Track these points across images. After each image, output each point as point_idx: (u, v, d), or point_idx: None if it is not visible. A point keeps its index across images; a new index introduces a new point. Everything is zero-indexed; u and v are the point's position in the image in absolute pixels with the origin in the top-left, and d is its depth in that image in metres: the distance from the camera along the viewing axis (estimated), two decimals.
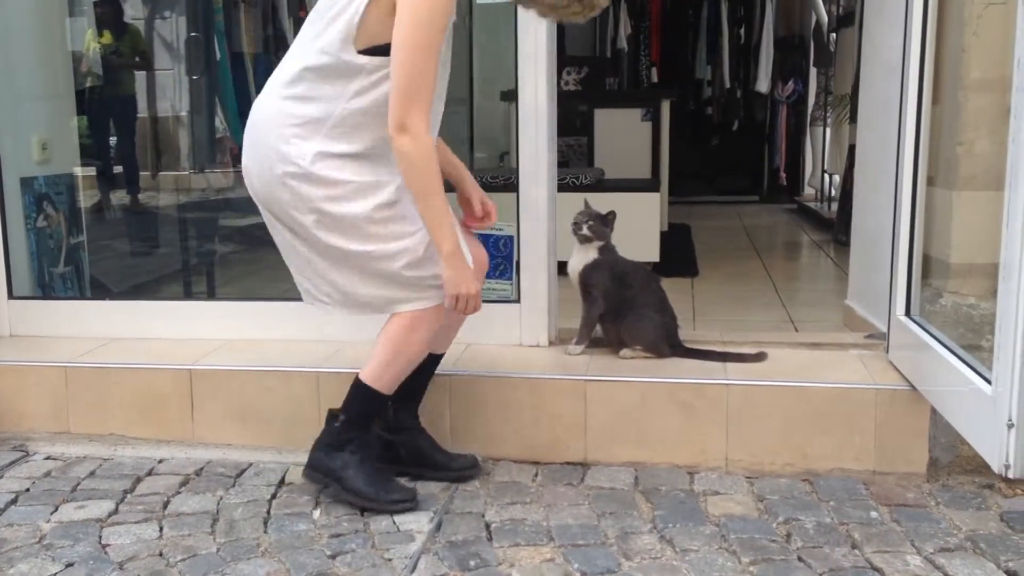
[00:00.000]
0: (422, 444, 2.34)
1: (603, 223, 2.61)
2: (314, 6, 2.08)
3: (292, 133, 2.03)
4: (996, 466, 1.83)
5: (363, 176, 2.05)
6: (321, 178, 2.03)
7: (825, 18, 7.07)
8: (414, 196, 2.04)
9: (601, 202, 4.39)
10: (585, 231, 2.60)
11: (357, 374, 2.18)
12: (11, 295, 3.06)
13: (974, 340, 2.24)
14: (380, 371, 2.16)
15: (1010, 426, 1.79)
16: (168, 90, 4.87)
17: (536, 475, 2.39)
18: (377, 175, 2.06)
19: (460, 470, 2.34)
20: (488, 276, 2.67)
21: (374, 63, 2.00)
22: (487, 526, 2.10)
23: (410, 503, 2.17)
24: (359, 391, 2.18)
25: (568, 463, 2.45)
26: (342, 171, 2.04)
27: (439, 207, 2.02)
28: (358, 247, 2.07)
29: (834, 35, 6.54)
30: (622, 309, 2.60)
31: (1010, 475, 1.80)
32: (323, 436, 2.22)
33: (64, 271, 3.34)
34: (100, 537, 2.09)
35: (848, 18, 5.74)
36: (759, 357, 2.55)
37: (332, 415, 2.21)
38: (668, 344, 2.61)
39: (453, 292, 2.07)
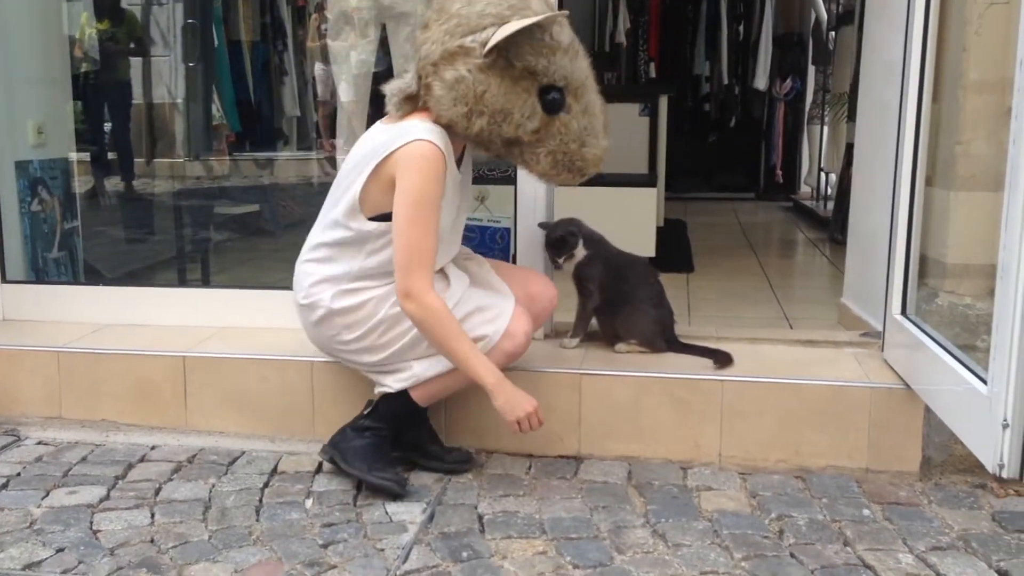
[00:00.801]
0: (421, 432, 2.36)
1: (563, 245, 2.56)
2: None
3: (315, 289, 2.20)
4: (990, 466, 1.83)
5: (378, 290, 2.18)
6: (344, 309, 2.18)
7: (825, 16, 7.07)
8: (437, 350, 2.14)
9: (598, 196, 4.39)
10: (562, 261, 2.58)
11: None
12: (5, 279, 3.05)
13: (969, 340, 2.24)
14: (427, 387, 2.24)
15: (1005, 426, 1.79)
16: (165, 76, 4.85)
17: (530, 468, 2.39)
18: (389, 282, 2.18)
19: (452, 463, 2.35)
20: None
21: (381, 228, 2.13)
22: (480, 518, 2.09)
23: (395, 486, 2.18)
24: (399, 396, 2.25)
25: (562, 456, 2.45)
26: (359, 295, 2.18)
27: (464, 352, 2.08)
28: (401, 342, 2.19)
29: (833, 33, 6.54)
30: (618, 303, 2.59)
31: (1004, 475, 1.80)
32: (354, 419, 2.30)
33: (58, 256, 3.32)
34: (91, 523, 2.08)
35: (848, 16, 5.73)
36: (723, 359, 2.51)
37: (368, 403, 2.30)
38: (664, 339, 2.60)
39: (512, 418, 2.12)
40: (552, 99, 2.06)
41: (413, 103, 2.13)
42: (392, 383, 2.24)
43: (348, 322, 2.19)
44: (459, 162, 2.23)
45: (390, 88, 2.16)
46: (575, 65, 2.08)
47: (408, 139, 2.06)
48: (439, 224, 2.09)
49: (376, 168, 2.09)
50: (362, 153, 2.14)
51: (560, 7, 2.34)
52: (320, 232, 2.22)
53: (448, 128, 2.10)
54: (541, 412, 2.12)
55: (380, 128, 2.18)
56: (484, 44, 1.98)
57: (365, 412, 2.28)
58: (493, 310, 2.20)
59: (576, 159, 2.12)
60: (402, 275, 2.06)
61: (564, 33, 2.07)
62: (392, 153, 2.06)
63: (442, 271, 2.27)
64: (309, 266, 2.22)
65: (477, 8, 2.01)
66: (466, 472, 2.34)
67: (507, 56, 2.01)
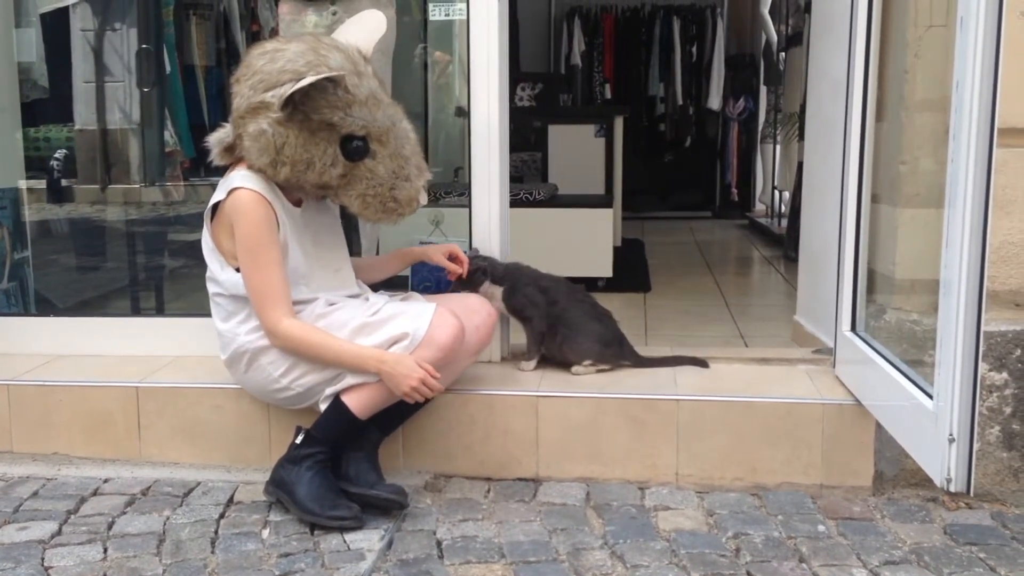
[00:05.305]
0: (364, 462, 2.29)
1: (474, 281, 2.56)
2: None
3: (231, 339, 2.30)
4: (938, 480, 1.87)
5: None
6: (262, 348, 2.26)
7: (775, 37, 7.19)
8: (323, 364, 2.22)
9: (555, 218, 4.41)
10: (483, 290, 2.58)
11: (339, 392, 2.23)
12: None
13: (917, 355, 2.28)
14: (360, 393, 2.21)
15: (951, 440, 1.82)
16: (120, 102, 4.80)
17: (488, 491, 2.39)
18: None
19: (383, 495, 2.22)
20: (441, 293, 2.67)
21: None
22: (438, 543, 2.09)
23: (351, 521, 2.15)
24: (334, 408, 2.23)
25: (520, 479, 2.45)
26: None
27: (340, 350, 2.19)
28: (329, 369, 2.24)
29: (783, 54, 6.65)
30: (555, 326, 2.59)
31: (951, 489, 1.84)
32: (287, 450, 2.26)
33: (8, 287, 3.27)
34: (43, 559, 2.04)
35: (797, 38, 5.83)
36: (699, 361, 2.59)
37: (298, 430, 2.26)
38: (616, 345, 2.61)
39: (402, 392, 2.16)
40: (355, 147, 2.17)
41: (233, 153, 2.25)
42: (328, 391, 2.25)
43: (271, 359, 2.26)
44: (300, 201, 2.31)
45: (211, 140, 2.27)
46: (376, 114, 2.18)
47: (229, 189, 2.19)
48: (280, 260, 2.19)
49: (214, 221, 2.24)
50: (206, 210, 2.28)
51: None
52: (211, 296, 2.34)
53: (263, 174, 2.20)
54: (431, 380, 2.15)
55: (220, 181, 2.29)
56: (281, 99, 2.08)
57: (297, 441, 2.24)
58: (413, 312, 2.23)
59: (387, 201, 2.22)
60: (261, 317, 2.21)
61: (362, 86, 2.17)
62: (221, 204, 2.21)
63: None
64: (220, 326, 2.33)
65: (278, 65, 2.12)
66: (393, 509, 2.22)
67: (304, 110, 2.12)
